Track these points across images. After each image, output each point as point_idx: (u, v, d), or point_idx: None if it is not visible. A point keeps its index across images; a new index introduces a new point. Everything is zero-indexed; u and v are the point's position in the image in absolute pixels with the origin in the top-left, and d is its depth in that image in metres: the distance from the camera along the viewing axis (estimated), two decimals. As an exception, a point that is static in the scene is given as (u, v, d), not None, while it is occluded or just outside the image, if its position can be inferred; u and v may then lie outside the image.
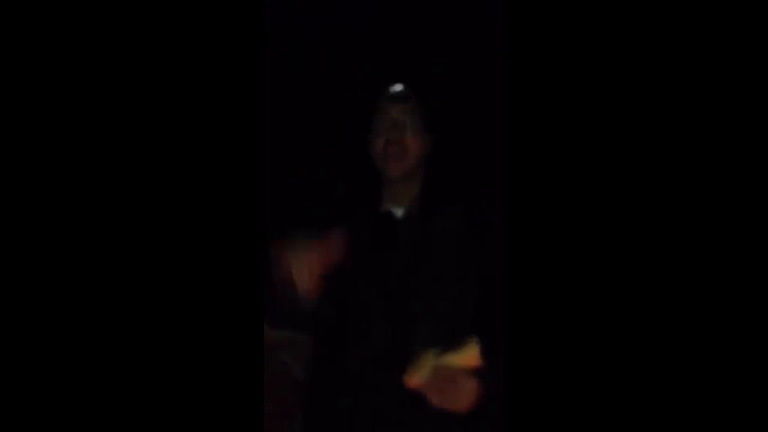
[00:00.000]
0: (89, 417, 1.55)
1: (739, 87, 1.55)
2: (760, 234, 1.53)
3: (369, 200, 2.16)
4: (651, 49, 1.57)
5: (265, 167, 1.82)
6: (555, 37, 1.60)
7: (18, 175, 1.56)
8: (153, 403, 1.56)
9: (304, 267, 1.95)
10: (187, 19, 1.61)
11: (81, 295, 1.56)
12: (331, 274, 1.99)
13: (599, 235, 1.56)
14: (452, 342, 1.98)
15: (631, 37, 1.58)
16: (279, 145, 2.07)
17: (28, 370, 1.54)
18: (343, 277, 2.08)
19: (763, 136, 1.54)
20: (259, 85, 1.64)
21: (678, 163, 1.56)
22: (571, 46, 1.59)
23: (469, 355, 1.96)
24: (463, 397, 1.96)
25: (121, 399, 1.55)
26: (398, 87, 2.16)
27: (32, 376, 1.54)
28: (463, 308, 2.06)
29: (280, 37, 2.45)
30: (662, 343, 1.54)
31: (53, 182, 1.57)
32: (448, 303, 2.05)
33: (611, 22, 1.59)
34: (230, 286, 1.59)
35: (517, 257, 1.59)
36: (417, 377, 1.96)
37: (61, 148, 1.57)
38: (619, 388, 1.54)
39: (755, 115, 1.54)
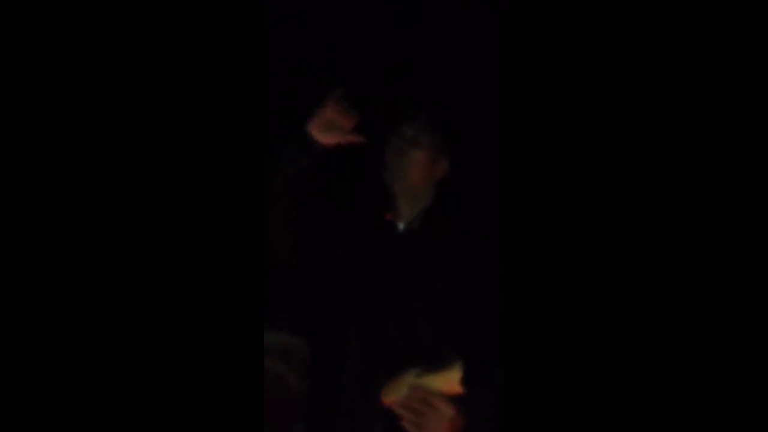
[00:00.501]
0: (89, 420, 1.54)
1: (739, 87, 1.54)
2: (760, 234, 1.52)
3: (373, 211, 2.18)
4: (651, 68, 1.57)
5: (265, 168, 1.82)
6: (558, 59, 1.60)
7: (17, 175, 1.55)
8: (149, 412, 1.56)
9: (340, 119, 2.08)
10: (187, 17, 1.61)
11: (80, 296, 1.55)
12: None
13: (601, 263, 1.56)
14: (436, 363, 1.95)
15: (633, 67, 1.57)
16: (279, 148, 2.07)
17: (26, 374, 1.53)
18: (338, 282, 2.10)
19: (763, 136, 1.53)
20: (260, 95, 1.64)
21: (680, 173, 1.55)
22: (573, 71, 1.59)
23: (449, 380, 1.91)
24: (436, 423, 1.90)
25: (120, 403, 1.55)
26: (412, 106, 2.18)
27: (31, 382, 1.53)
28: (455, 327, 2.06)
29: (279, 39, 2.44)
30: (659, 364, 1.54)
31: (53, 182, 1.56)
32: (440, 320, 2.06)
33: (613, 45, 1.59)
34: (230, 289, 1.59)
35: (516, 283, 1.59)
36: (393, 395, 1.93)
37: (61, 147, 1.57)
38: (617, 417, 1.54)
39: (755, 116, 1.54)
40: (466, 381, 1.92)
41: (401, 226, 2.15)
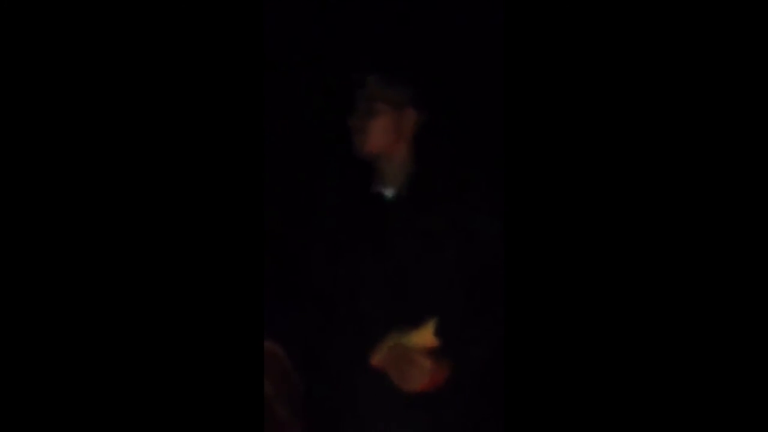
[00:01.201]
0: (87, 420, 1.54)
1: (739, 87, 1.54)
2: (759, 234, 1.52)
3: (359, 182, 2.15)
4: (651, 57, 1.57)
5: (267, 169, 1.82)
6: (558, 58, 1.60)
7: (18, 176, 1.55)
8: (148, 412, 1.56)
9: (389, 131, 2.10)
10: (187, 18, 1.61)
11: (80, 295, 1.55)
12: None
13: (602, 261, 1.56)
14: (414, 323, 2.04)
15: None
16: (280, 152, 2.07)
17: (26, 374, 1.53)
18: (338, 282, 2.10)
19: (763, 136, 1.53)
20: (260, 95, 1.64)
21: (680, 169, 1.55)
22: (573, 70, 1.59)
23: (424, 335, 2.03)
24: (417, 376, 2.00)
25: (119, 403, 1.55)
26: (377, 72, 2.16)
27: (31, 382, 1.53)
28: (455, 326, 2.06)
29: (279, 39, 2.45)
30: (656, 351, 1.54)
31: (55, 183, 1.56)
32: (440, 319, 2.06)
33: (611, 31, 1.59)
34: (230, 289, 1.59)
35: (516, 282, 1.59)
36: (377, 356, 2.04)
37: (63, 148, 1.57)
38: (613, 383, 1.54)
39: (755, 116, 1.54)
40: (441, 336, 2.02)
41: (389, 193, 2.12)
